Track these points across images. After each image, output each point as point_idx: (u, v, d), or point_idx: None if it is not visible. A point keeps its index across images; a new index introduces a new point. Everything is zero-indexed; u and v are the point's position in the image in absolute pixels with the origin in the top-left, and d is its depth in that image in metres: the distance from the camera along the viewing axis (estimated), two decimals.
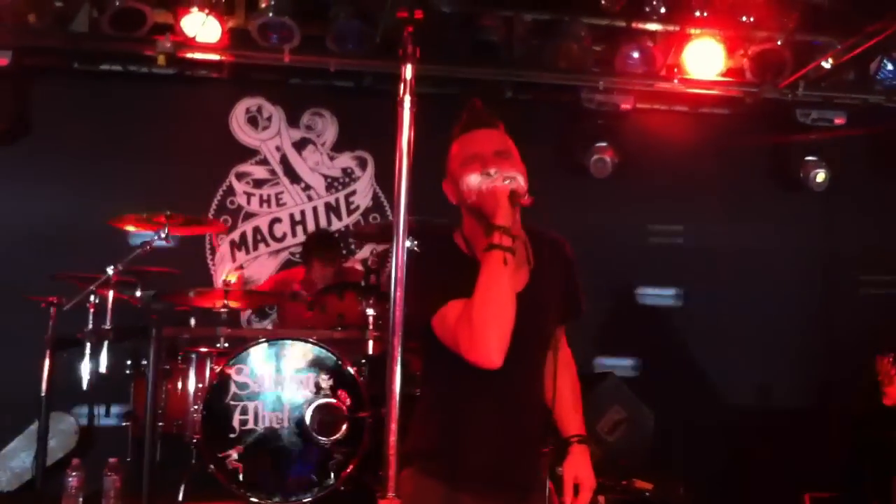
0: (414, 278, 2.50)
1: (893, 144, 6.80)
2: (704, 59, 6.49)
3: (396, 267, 2.93)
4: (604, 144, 6.71)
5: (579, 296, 2.95)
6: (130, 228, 5.18)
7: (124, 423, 4.90)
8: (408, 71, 3.12)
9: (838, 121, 6.82)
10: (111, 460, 4.50)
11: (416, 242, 2.88)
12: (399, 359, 2.95)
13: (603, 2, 6.35)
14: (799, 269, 6.41)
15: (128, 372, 5.02)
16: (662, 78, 6.60)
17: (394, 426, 2.92)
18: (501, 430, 2.72)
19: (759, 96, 6.69)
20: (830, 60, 6.43)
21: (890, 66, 6.45)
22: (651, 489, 5.02)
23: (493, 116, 2.89)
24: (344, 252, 6.12)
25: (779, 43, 6.41)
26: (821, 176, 6.69)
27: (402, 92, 2.77)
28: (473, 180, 2.73)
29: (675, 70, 6.57)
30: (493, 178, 2.69)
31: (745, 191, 6.86)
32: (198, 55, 6.27)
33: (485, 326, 2.56)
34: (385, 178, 6.87)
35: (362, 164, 6.95)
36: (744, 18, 6.31)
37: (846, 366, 5.53)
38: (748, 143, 6.85)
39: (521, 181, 2.71)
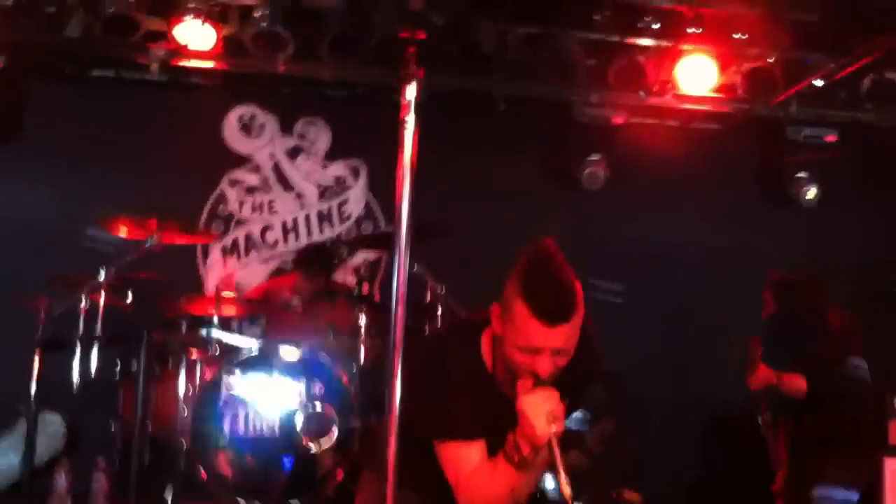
0: (430, 387, 2.70)
1: (884, 162, 6.84)
2: (697, 74, 6.52)
3: (398, 283, 2.96)
4: (596, 157, 6.74)
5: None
6: (122, 234, 5.18)
7: (113, 427, 4.89)
8: (411, 91, 3.13)
9: (829, 138, 6.88)
10: (99, 463, 4.50)
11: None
12: (399, 370, 2.98)
13: (596, 16, 6.39)
14: None
15: (117, 376, 5.01)
16: (654, 93, 6.64)
17: (393, 439, 2.95)
18: None
19: (750, 113, 6.74)
20: (822, 79, 6.48)
21: None
22: (639, 500, 5.04)
23: (570, 305, 2.66)
24: (335, 262, 6.12)
25: (771, 60, 6.45)
26: (811, 193, 6.74)
27: (405, 112, 2.80)
28: (520, 376, 2.67)
29: (668, 85, 6.61)
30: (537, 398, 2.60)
31: (736, 206, 6.88)
32: (191, 63, 6.31)
33: None
34: (378, 187, 6.87)
35: (355, 173, 6.96)
36: (737, 35, 6.34)
37: None
38: (739, 158, 6.89)
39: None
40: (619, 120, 6.76)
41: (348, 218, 6.90)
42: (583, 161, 6.74)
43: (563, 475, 2.56)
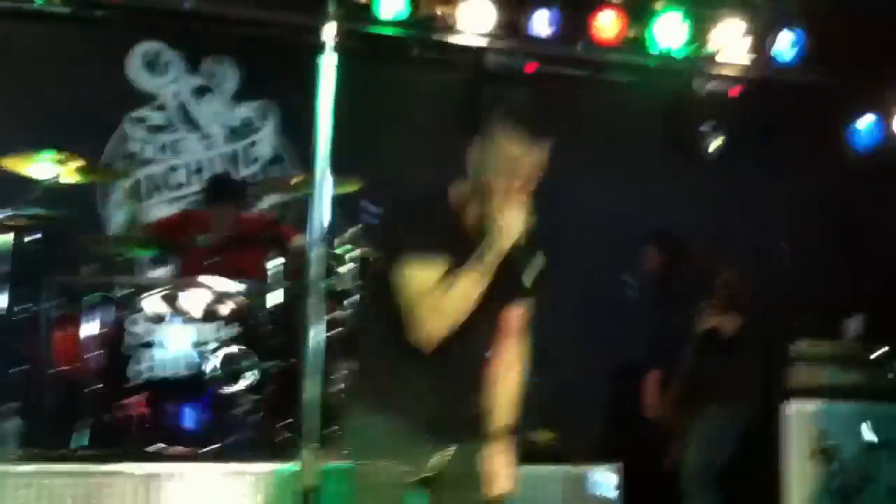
0: (396, 228, 2.80)
1: (785, 115, 7.04)
2: (608, 26, 6.62)
3: (314, 226, 2.95)
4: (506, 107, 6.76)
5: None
6: (24, 170, 5.01)
7: (21, 371, 4.74)
8: (328, 32, 3.09)
9: (733, 91, 7.08)
10: (6, 407, 4.38)
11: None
12: (317, 314, 2.97)
13: None
14: (695, 234, 6.56)
15: (18, 319, 4.85)
16: (566, 42, 6.70)
17: (311, 381, 2.94)
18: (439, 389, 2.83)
19: (658, 65, 6.86)
20: (729, 32, 6.64)
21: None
22: (552, 440, 5.20)
23: (544, 129, 2.92)
24: (246, 201, 6.01)
25: (680, 13, 6.57)
26: (715, 144, 6.92)
27: (322, 53, 2.75)
28: (498, 198, 2.78)
29: (579, 35, 6.67)
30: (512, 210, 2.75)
31: (644, 157, 6.97)
32: None
33: (447, 321, 2.71)
34: (288, 130, 6.75)
35: (264, 115, 6.82)
36: None
37: None
38: (647, 110, 6.99)
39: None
40: (530, 69, 6.80)
41: (256, 161, 6.78)
42: (494, 111, 6.75)
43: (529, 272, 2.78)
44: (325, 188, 3.50)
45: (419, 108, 6.72)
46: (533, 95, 3.16)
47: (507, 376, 3.02)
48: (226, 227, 5.59)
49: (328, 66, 2.95)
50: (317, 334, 3.46)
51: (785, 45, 6.77)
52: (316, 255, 3.51)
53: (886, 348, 5.90)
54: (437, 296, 2.71)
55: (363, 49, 6.47)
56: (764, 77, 6.99)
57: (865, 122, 6.99)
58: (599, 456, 4.95)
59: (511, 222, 2.75)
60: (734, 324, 5.38)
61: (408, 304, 2.73)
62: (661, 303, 5.74)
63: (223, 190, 5.77)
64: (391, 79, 6.75)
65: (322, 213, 3.33)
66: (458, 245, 2.78)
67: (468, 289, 2.73)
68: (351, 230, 5.45)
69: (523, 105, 2.99)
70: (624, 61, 6.94)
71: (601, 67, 7.07)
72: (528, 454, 5.27)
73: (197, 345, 4.58)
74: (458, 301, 2.72)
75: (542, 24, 6.60)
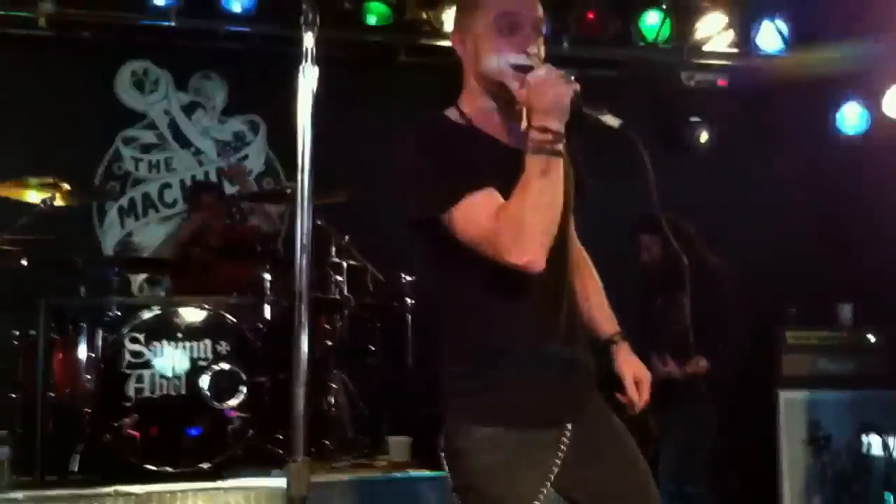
0: (416, 164, 2.35)
1: (771, 105, 7.04)
2: (592, 23, 6.63)
3: (301, 237, 2.91)
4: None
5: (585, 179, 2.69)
6: (15, 196, 5.04)
7: (13, 395, 4.77)
8: (309, 39, 3.08)
9: (720, 83, 7.07)
10: (2, 434, 4.40)
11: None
12: (306, 323, 2.96)
13: None
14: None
15: (15, 342, 4.88)
16: (552, 41, 6.69)
17: (301, 391, 2.95)
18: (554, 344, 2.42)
19: (644, 59, 6.86)
20: (713, 24, 6.64)
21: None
22: None
23: None
24: (237, 214, 6.03)
25: (664, 6, 6.58)
26: (703, 136, 6.91)
27: (302, 61, 2.75)
28: (507, 59, 2.36)
29: (565, 33, 6.68)
30: (535, 64, 2.33)
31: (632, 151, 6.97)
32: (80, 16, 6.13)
33: (538, 234, 2.24)
34: (278, 143, 6.78)
35: (254, 128, 6.86)
36: None
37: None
38: (634, 104, 6.97)
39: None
40: None
41: (249, 174, 6.79)
42: None
43: (605, 114, 2.36)
44: (308, 198, 3.43)
45: (408, 116, 6.68)
46: None
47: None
48: (216, 231, 5.62)
49: (308, 76, 2.90)
50: (305, 345, 3.43)
51: (768, 33, 6.77)
52: (302, 265, 3.45)
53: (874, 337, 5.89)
54: (512, 209, 2.23)
55: (348, 57, 6.49)
56: (749, 66, 6.97)
57: (851, 108, 6.94)
58: None
59: (548, 79, 2.25)
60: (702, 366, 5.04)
61: (481, 239, 2.26)
62: (654, 296, 5.50)
63: (202, 188, 5.82)
64: (378, 85, 6.76)
65: (307, 222, 3.27)
66: (489, 154, 2.37)
67: (545, 185, 2.24)
68: (343, 240, 5.48)
69: None
70: (609, 57, 6.91)
71: (587, 63, 7.05)
72: None
73: (190, 363, 4.59)
74: (538, 203, 2.24)
75: None
